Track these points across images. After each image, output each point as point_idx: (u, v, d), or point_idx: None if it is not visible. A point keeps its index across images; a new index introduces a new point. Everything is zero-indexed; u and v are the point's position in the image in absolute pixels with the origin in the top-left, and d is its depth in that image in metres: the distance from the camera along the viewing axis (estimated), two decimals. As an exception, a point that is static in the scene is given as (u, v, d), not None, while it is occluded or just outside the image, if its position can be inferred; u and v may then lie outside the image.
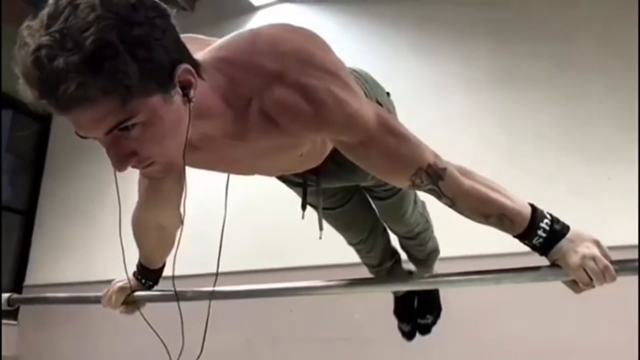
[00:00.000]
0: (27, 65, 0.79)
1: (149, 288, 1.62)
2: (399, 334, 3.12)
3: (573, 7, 3.30)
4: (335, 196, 1.66)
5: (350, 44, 3.72)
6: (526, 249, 1.19)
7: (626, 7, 3.11)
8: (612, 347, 2.58)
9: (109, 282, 1.67)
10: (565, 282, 1.18)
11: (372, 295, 2.71)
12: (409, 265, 1.99)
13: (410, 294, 2.00)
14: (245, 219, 3.24)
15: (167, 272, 1.65)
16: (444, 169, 1.13)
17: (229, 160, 1.18)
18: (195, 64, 0.93)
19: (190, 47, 0.93)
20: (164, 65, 0.86)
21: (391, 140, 1.09)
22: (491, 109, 3.36)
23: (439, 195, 1.15)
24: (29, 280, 4.75)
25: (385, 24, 3.92)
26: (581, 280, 1.12)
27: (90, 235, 4.48)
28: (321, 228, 1.50)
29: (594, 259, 1.10)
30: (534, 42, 3.35)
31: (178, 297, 1.32)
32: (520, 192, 1.20)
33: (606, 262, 1.10)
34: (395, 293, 2.02)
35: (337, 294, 1.46)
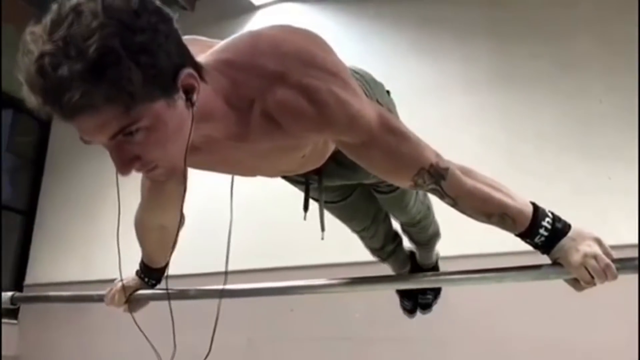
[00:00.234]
0: (31, 72, 0.79)
1: (152, 287, 1.63)
2: (399, 334, 3.14)
3: (573, 6, 3.30)
4: (337, 190, 1.67)
5: (351, 44, 3.71)
6: (527, 247, 1.20)
7: (626, 6, 3.12)
8: (612, 346, 2.59)
9: (109, 281, 1.68)
10: (566, 280, 1.19)
11: (373, 294, 2.72)
12: (410, 245, 2.01)
13: (411, 272, 2.02)
14: (248, 218, 3.24)
15: (171, 270, 1.66)
16: (446, 169, 1.13)
17: (231, 161, 1.19)
18: (197, 67, 0.93)
19: (192, 49, 0.94)
20: (167, 70, 0.86)
21: (393, 140, 1.09)
22: (491, 109, 3.36)
23: (441, 195, 1.15)
24: (29, 279, 4.76)
25: (385, 24, 3.92)
26: (583, 278, 1.13)
27: (91, 234, 4.49)
28: (323, 229, 1.51)
29: (595, 257, 1.11)
30: (534, 42, 3.35)
31: (170, 296, 1.32)
32: (521, 191, 1.20)
33: (607, 260, 1.11)
34: (396, 271, 2.04)
35: (342, 292, 1.47)
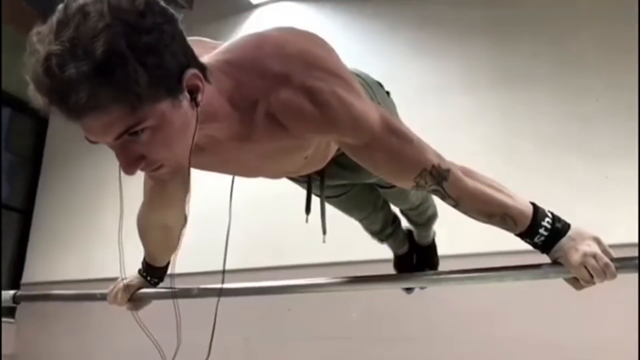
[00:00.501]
0: (38, 73, 0.80)
1: (154, 285, 1.64)
2: (396, 333, 3.15)
3: (572, 6, 3.30)
4: (338, 186, 1.68)
5: (349, 43, 3.69)
6: (527, 246, 1.21)
7: (624, 6, 3.13)
8: (612, 345, 2.59)
9: (107, 279, 1.68)
10: (566, 280, 1.20)
11: (370, 293, 2.73)
12: (408, 225, 2.04)
13: (409, 251, 2.06)
14: (248, 216, 3.25)
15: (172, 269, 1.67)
16: (448, 170, 1.14)
17: (233, 162, 1.20)
18: (202, 67, 0.94)
19: (196, 50, 0.94)
20: (173, 71, 0.87)
21: (395, 142, 1.10)
22: (491, 108, 3.36)
23: (443, 196, 1.16)
24: (26, 277, 4.75)
25: (384, 23, 3.91)
26: (582, 277, 1.14)
27: (88, 233, 4.48)
28: (324, 232, 1.53)
29: (594, 256, 1.12)
30: (534, 42, 3.35)
31: (176, 295, 1.32)
32: (521, 190, 1.22)
33: (607, 259, 1.12)
34: (395, 251, 2.08)
35: (345, 290, 1.48)
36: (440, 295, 2.78)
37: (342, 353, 3.26)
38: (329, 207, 1.61)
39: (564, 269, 1.16)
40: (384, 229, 1.96)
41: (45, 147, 5.08)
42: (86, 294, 1.90)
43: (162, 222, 1.48)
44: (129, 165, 0.92)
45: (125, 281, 1.62)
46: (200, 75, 0.93)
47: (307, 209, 1.50)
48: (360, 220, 1.91)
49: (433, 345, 3.05)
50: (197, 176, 1.19)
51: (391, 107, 1.50)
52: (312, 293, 1.61)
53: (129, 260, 1.56)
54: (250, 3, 4.43)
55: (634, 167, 2.81)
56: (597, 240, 1.15)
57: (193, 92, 0.92)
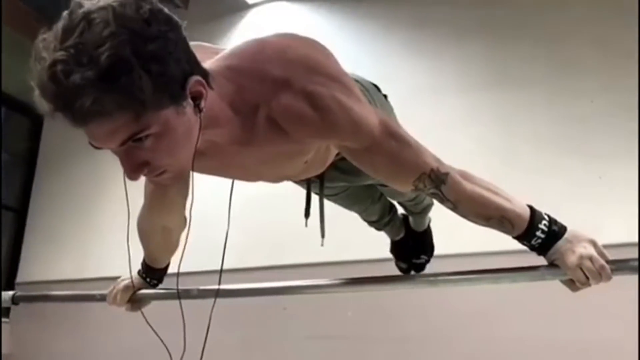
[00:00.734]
0: (44, 79, 0.80)
1: (154, 286, 1.65)
2: (392, 332, 3.16)
3: (567, 7, 3.32)
4: (337, 186, 1.70)
5: (344, 44, 3.69)
6: (524, 247, 1.22)
7: (618, 8, 3.15)
8: (612, 345, 2.60)
9: (102, 279, 1.69)
10: (562, 281, 1.22)
11: (366, 292, 2.73)
12: (403, 211, 2.07)
13: (405, 237, 2.10)
14: (246, 216, 3.25)
15: (171, 268, 1.68)
16: (446, 174, 1.16)
17: (234, 166, 1.21)
18: (204, 74, 0.95)
19: (198, 55, 0.95)
20: (177, 78, 0.88)
21: (395, 146, 1.12)
22: (486, 110, 3.37)
23: (442, 199, 1.18)
24: (21, 277, 4.73)
25: (379, 24, 3.91)
26: (578, 279, 1.15)
27: (83, 233, 4.47)
28: (323, 235, 1.54)
29: (590, 258, 1.13)
30: (528, 43, 3.36)
31: (180, 296, 1.33)
32: (516, 191, 1.23)
33: (602, 261, 1.13)
34: (392, 238, 2.11)
35: (343, 292, 1.49)
36: (436, 295, 2.79)
37: (338, 352, 3.26)
38: (327, 206, 1.63)
39: (561, 271, 1.18)
40: (382, 219, 2.00)
41: (40, 147, 5.07)
42: (85, 295, 1.90)
43: (162, 224, 1.49)
44: (133, 171, 0.93)
45: (124, 282, 1.63)
46: (203, 81, 0.94)
47: (307, 213, 1.51)
48: (359, 213, 1.95)
49: (429, 345, 3.06)
50: (196, 175, 1.20)
51: (389, 110, 1.52)
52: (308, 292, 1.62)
53: (125, 260, 1.56)
54: (245, 3, 4.43)
55: (629, 167, 2.83)
56: (593, 243, 1.16)
57: (196, 98, 0.93)
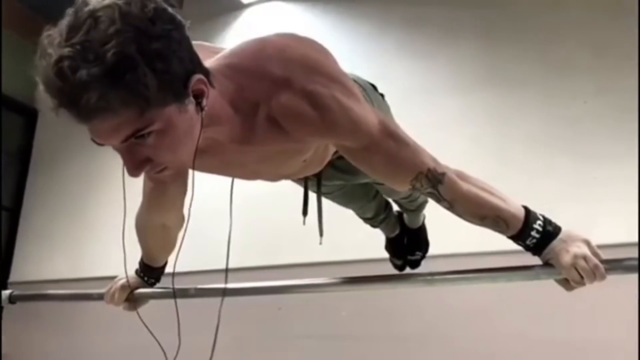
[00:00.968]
0: (50, 75, 0.81)
1: (151, 285, 1.65)
2: (386, 332, 3.16)
3: (561, 9, 3.33)
4: (334, 185, 1.71)
5: (338, 44, 3.64)
6: (518, 246, 1.23)
7: (613, 10, 3.17)
8: (611, 345, 2.61)
9: (96, 278, 1.69)
10: (557, 280, 1.23)
11: (361, 292, 2.74)
12: (398, 208, 2.10)
13: (400, 234, 2.13)
14: (244, 216, 3.25)
15: (168, 268, 1.68)
16: (443, 174, 1.17)
17: (234, 165, 1.22)
18: (206, 72, 0.96)
19: (199, 54, 0.96)
20: (180, 76, 0.89)
21: (393, 146, 1.13)
22: (479, 110, 3.38)
23: (438, 198, 1.19)
24: (14, 277, 4.71)
25: (373, 24, 3.91)
26: (573, 278, 1.17)
27: (77, 232, 4.46)
28: (321, 234, 1.56)
29: (584, 258, 1.15)
30: (522, 44, 3.38)
31: (177, 295, 1.34)
32: (510, 191, 1.24)
33: (596, 261, 1.15)
34: (387, 235, 2.13)
35: (341, 291, 1.50)
36: (431, 294, 2.78)
37: (333, 352, 3.26)
38: (324, 205, 1.64)
39: (555, 270, 1.19)
40: (377, 216, 2.02)
41: (33, 146, 5.04)
42: (83, 294, 1.91)
43: (160, 222, 1.49)
44: (134, 167, 0.94)
45: (122, 281, 1.63)
46: (205, 80, 0.95)
47: (305, 211, 1.53)
48: (355, 210, 1.97)
49: (424, 344, 3.06)
50: (195, 175, 1.21)
51: (385, 109, 1.53)
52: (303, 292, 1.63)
53: (120, 259, 1.56)
54: (240, 2, 4.43)
55: (622, 168, 2.86)
56: (587, 243, 1.18)
57: (198, 96, 0.94)
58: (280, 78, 1.03)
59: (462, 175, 1.21)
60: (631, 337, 2.46)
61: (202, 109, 0.95)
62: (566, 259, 1.16)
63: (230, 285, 1.41)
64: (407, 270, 2.14)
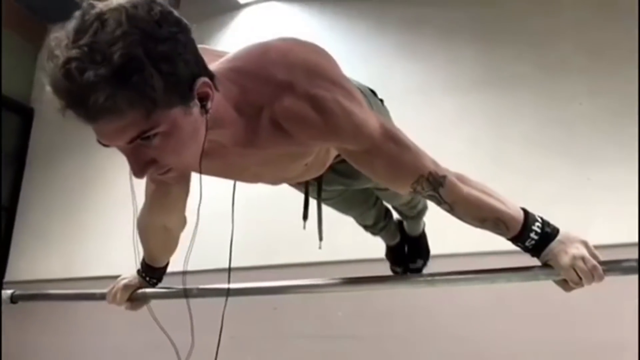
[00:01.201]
0: (57, 77, 0.82)
1: (153, 285, 1.66)
2: (382, 332, 3.16)
3: (557, 10, 3.34)
4: (334, 190, 1.72)
5: (335, 44, 3.61)
6: (517, 247, 1.25)
7: (608, 12, 3.18)
8: (610, 344, 2.62)
9: (92, 278, 1.69)
10: (555, 281, 1.24)
11: (356, 292, 2.74)
12: (398, 216, 2.10)
13: (401, 242, 2.13)
14: (242, 215, 3.24)
15: (170, 268, 1.69)
16: (444, 177, 1.18)
17: (236, 168, 1.23)
18: (211, 75, 0.97)
19: (204, 58, 0.97)
20: (186, 78, 0.90)
21: (394, 149, 1.14)
22: (475, 111, 3.38)
23: (439, 201, 1.21)
24: (9, 276, 4.69)
25: (369, 25, 3.91)
26: (571, 279, 1.18)
27: (73, 231, 4.44)
28: (321, 238, 1.57)
29: (583, 259, 1.16)
30: (518, 45, 3.39)
31: (187, 294, 1.35)
32: (506, 192, 1.25)
33: (594, 262, 1.16)
34: (387, 243, 2.14)
35: (341, 291, 1.51)
36: (428, 295, 2.80)
37: (328, 352, 3.27)
38: (323, 208, 1.65)
39: (554, 271, 1.20)
40: (377, 223, 2.02)
41: (29, 145, 5.03)
42: (85, 294, 1.91)
43: (162, 224, 1.50)
44: (139, 169, 0.95)
45: (124, 281, 1.64)
46: (211, 83, 0.96)
47: (305, 216, 1.54)
48: (355, 217, 1.97)
49: (420, 344, 3.07)
50: (196, 176, 1.22)
51: (385, 114, 1.54)
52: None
53: (121, 258, 1.57)
54: (237, 3, 4.43)
55: (618, 169, 2.87)
56: (585, 244, 1.19)
57: (203, 99, 0.95)
58: (283, 82, 1.04)
59: (462, 178, 1.22)
60: (631, 336, 2.47)
61: (206, 112, 0.96)
62: (565, 260, 1.17)
63: (233, 286, 1.42)
64: (409, 278, 2.14)
